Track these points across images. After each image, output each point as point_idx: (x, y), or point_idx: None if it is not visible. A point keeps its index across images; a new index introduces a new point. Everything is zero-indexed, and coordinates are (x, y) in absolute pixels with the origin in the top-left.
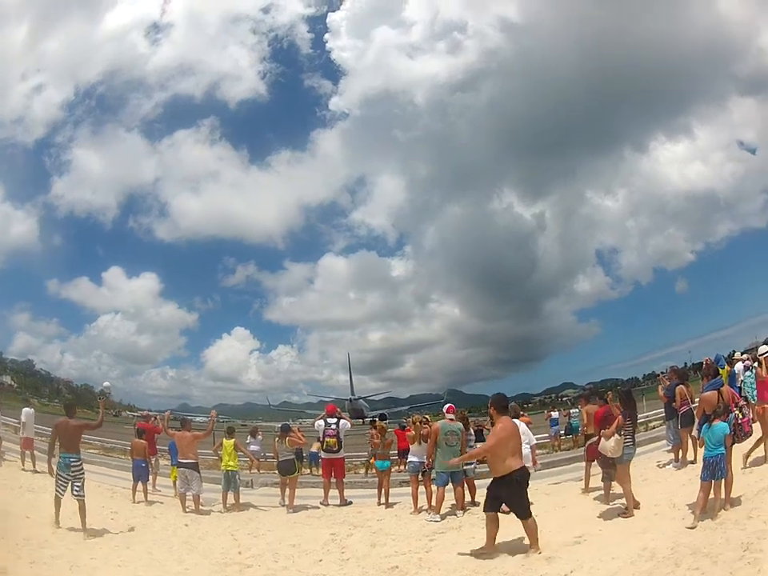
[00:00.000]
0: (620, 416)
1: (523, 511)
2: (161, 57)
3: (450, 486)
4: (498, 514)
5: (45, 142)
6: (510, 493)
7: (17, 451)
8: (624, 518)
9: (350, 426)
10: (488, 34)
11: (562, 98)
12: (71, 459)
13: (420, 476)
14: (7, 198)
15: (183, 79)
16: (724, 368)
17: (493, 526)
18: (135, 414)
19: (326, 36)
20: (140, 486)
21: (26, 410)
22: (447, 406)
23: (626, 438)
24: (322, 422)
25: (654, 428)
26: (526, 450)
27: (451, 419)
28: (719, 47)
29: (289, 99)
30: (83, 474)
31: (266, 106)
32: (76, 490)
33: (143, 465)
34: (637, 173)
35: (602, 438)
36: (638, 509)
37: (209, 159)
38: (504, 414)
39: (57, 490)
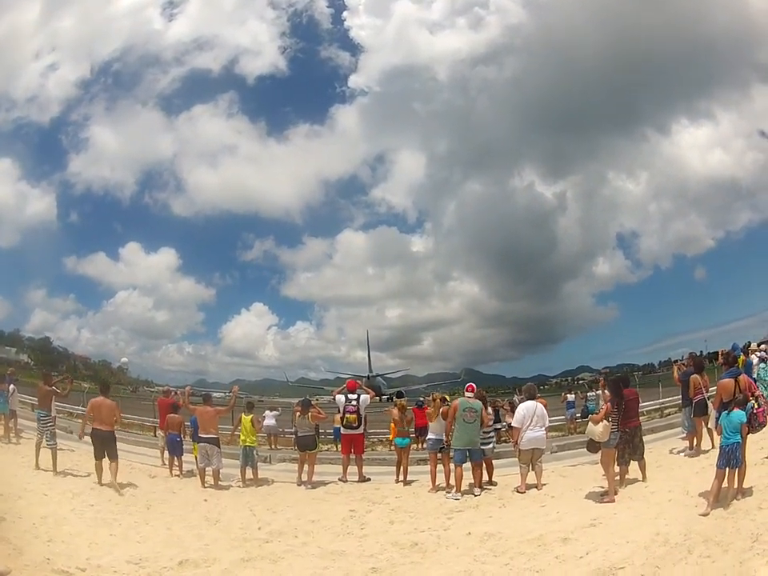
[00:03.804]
0: (608, 403)
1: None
2: (176, 32)
3: (467, 464)
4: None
5: (60, 120)
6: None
7: (34, 428)
8: (604, 502)
9: (369, 400)
10: (510, 9)
11: (584, 76)
12: (41, 414)
13: (438, 454)
14: (23, 176)
15: (200, 54)
16: (739, 357)
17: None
18: (152, 389)
19: (345, 14)
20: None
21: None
22: (468, 384)
23: (612, 425)
24: (342, 397)
25: (668, 415)
26: (540, 432)
27: (470, 397)
28: (743, 33)
29: (308, 74)
30: (52, 427)
31: (285, 81)
32: (47, 439)
33: (178, 439)
34: (659, 155)
35: (590, 423)
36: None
37: (226, 133)
38: (104, 395)
39: (36, 437)
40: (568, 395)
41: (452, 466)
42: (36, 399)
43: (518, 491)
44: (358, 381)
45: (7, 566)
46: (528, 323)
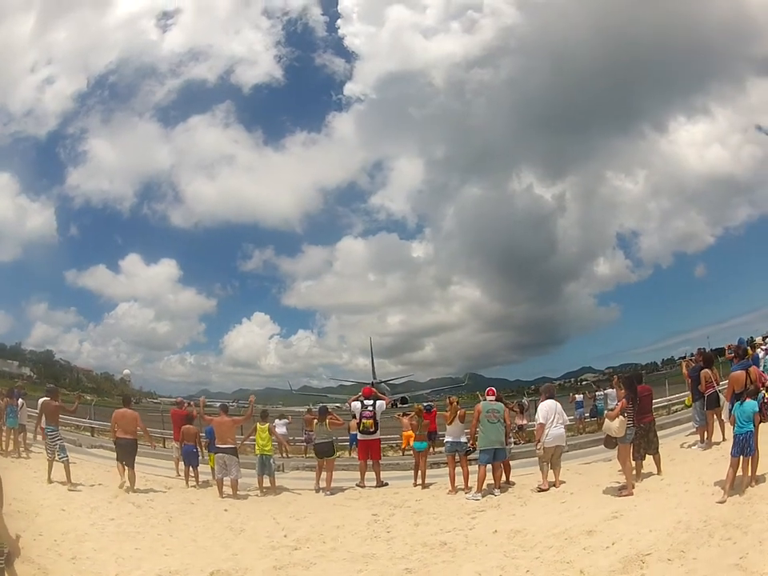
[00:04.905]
0: (623, 399)
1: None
2: (171, 42)
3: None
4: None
5: (58, 133)
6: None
7: (40, 442)
8: (623, 495)
9: (385, 406)
10: (504, 11)
11: (580, 75)
12: (49, 429)
13: (456, 456)
14: (23, 190)
15: (196, 64)
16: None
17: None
18: (156, 401)
19: (339, 22)
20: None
21: (41, 399)
22: (488, 389)
23: (628, 420)
24: (358, 404)
25: (676, 411)
26: (560, 429)
27: (491, 400)
28: (738, 27)
29: (304, 83)
30: (60, 440)
31: (281, 89)
32: (59, 454)
33: (194, 450)
34: (656, 153)
35: (606, 419)
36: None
37: (223, 143)
38: (127, 406)
39: (46, 453)
40: (576, 395)
41: (473, 467)
42: (37, 413)
43: (540, 489)
44: (372, 388)
45: None
46: (530, 326)
